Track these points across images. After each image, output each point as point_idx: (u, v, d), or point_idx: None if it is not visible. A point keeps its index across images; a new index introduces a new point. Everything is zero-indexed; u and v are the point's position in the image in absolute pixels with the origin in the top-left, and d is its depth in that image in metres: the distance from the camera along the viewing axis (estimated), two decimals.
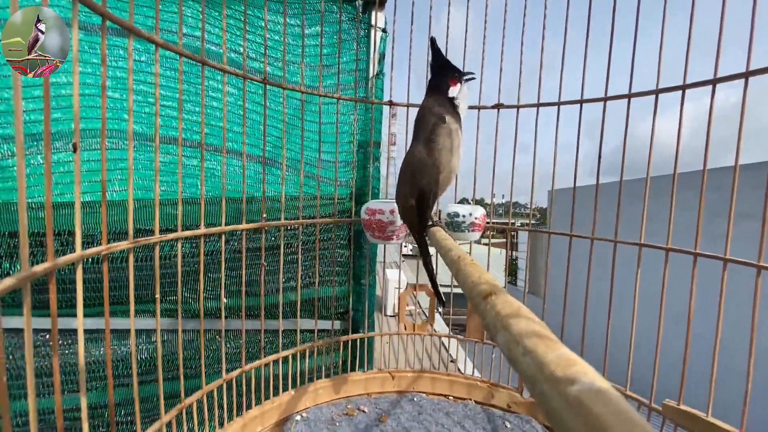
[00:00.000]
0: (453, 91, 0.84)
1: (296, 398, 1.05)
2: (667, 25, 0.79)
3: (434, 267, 0.96)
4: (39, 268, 0.41)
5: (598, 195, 0.96)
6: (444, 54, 0.88)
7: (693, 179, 0.77)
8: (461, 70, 0.87)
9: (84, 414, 0.49)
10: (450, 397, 1.16)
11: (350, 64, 1.38)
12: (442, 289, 0.95)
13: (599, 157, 0.99)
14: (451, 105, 0.84)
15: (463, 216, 1.07)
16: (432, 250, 0.95)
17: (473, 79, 0.88)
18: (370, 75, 1.38)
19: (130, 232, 0.60)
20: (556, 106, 1.03)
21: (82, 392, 0.48)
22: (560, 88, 1.03)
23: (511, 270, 9.01)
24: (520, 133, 1.11)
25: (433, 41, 0.86)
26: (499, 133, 1.12)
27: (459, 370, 1.84)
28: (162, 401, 0.70)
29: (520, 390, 1.13)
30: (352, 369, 1.20)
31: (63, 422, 0.44)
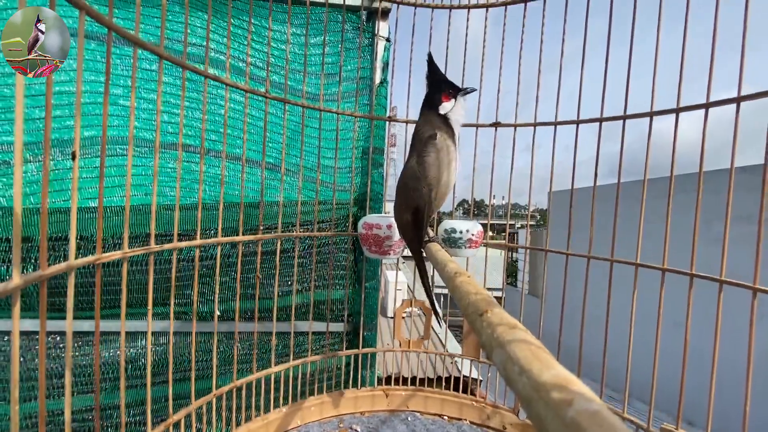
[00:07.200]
0: (445, 107, 0.83)
1: (287, 416, 1.02)
2: (665, 39, 0.81)
3: (431, 284, 0.94)
4: (33, 275, 0.40)
5: (594, 206, 0.96)
6: (440, 69, 0.86)
7: (694, 181, 0.77)
8: (458, 86, 0.85)
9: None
10: (444, 417, 1.14)
11: (353, 72, 1.39)
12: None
13: (595, 173, 1.00)
14: (445, 121, 0.83)
15: (460, 232, 1.07)
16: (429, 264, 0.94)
17: (471, 92, 0.85)
18: (374, 84, 1.40)
19: (125, 241, 0.60)
20: (553, 126, 1.05)
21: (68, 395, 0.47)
22: (557, 108, 1.04)
23: (511, 271, 8.95)
24: (521, 139, 1.13)
25: (429, 57, 0.86)
26: (497, 147, 1.14)
27: (459, 370, 1.80)
28: (171, 403, 0.69)
29: (516, 411, 1.10)
30: (354, 380, 1.18)
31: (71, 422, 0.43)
